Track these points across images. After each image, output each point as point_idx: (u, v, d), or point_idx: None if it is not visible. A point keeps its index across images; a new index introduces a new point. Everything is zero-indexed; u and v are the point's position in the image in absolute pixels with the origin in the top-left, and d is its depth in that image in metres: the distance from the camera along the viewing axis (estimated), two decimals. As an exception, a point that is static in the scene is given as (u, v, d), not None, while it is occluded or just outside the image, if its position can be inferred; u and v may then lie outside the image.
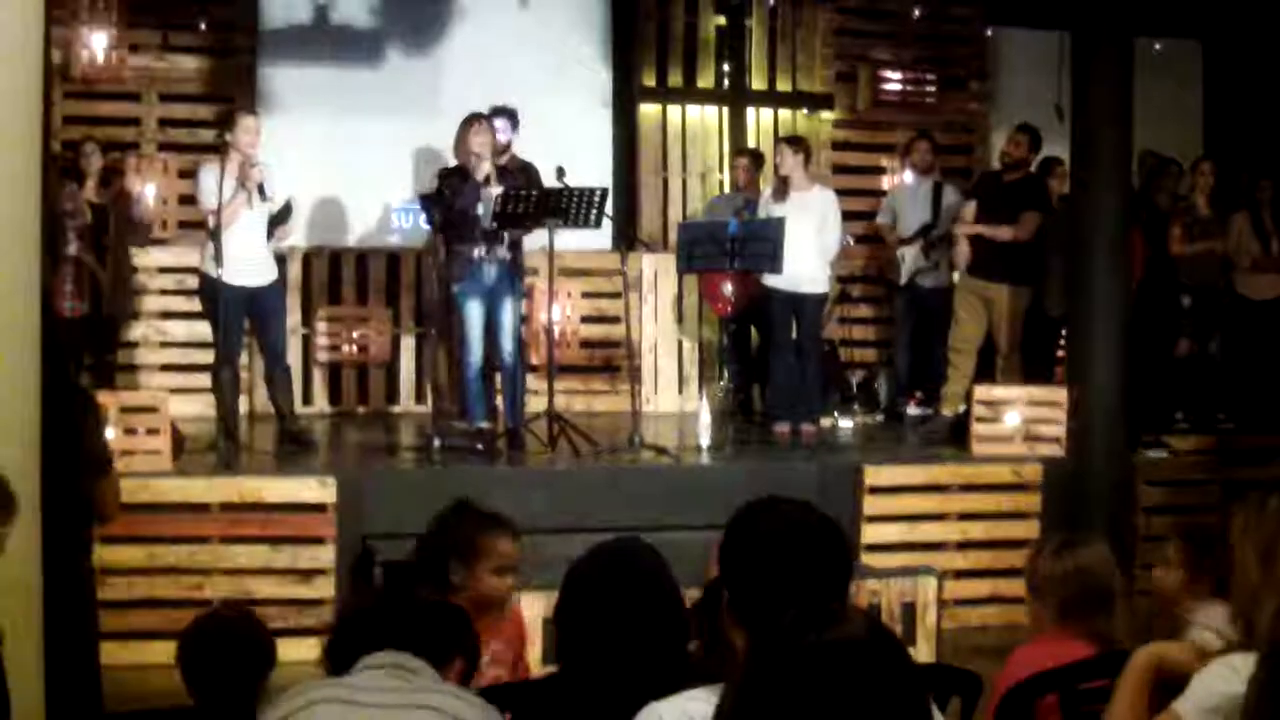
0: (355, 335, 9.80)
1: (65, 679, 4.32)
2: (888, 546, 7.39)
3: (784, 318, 8.56)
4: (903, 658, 1.70)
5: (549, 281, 7.97)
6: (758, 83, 10.89)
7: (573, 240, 8.73)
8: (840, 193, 9.09)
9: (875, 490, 7.58)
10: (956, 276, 9.17)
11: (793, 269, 8.17)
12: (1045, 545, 3.55)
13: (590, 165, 9.46)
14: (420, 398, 9.77)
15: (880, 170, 11.06)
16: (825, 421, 8.96)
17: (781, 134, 10.16)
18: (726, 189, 10.39)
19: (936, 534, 7.66)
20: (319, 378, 9.76)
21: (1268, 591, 2.65)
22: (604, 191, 7.81)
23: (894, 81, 11.01)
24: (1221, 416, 9.38)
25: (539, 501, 7.14)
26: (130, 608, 6.46)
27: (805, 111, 10.91)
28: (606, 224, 8.17)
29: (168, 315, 9.44)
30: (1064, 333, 8.92)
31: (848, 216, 9.20)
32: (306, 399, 9.50)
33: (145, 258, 9.34)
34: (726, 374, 9.90)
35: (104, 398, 6.15)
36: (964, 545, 7.68)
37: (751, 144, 10.49)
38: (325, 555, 6.85)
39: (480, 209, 7.71)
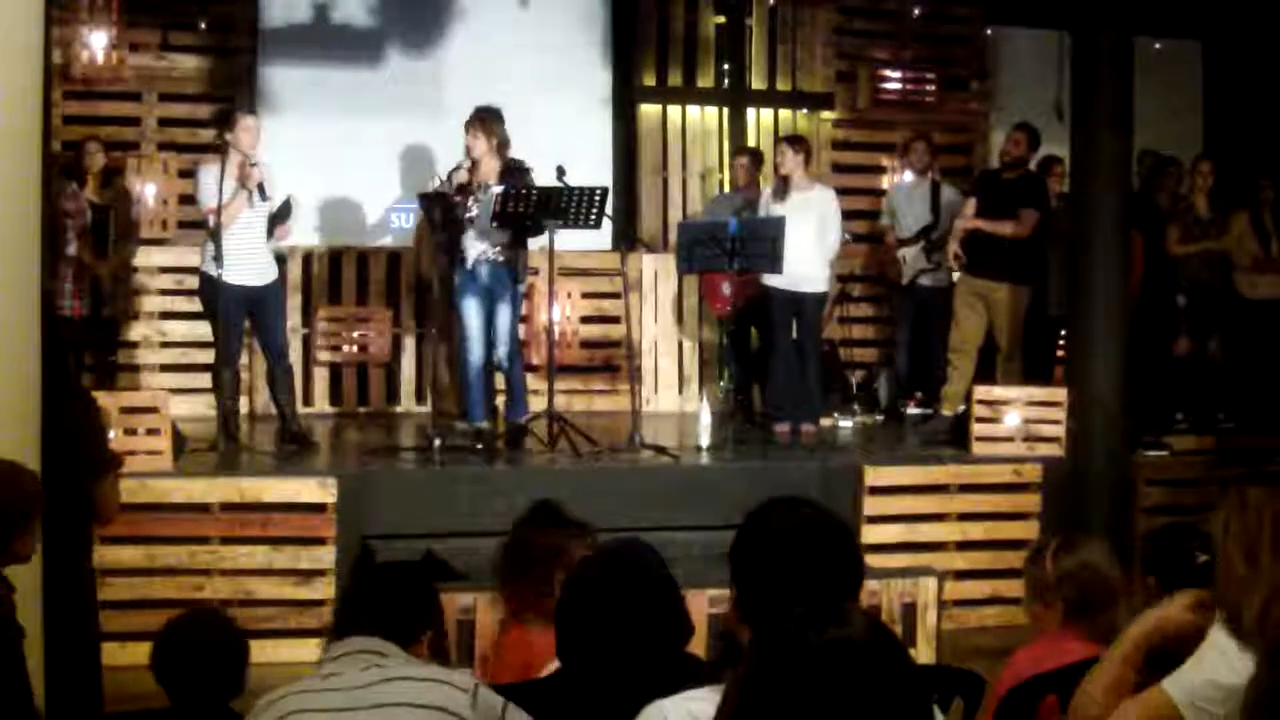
0: (355, 335, 9.80)
1: (66, 679, 4.32)
2: (887, 547, 7.39)
3: (784, 318, 8.56)
4: (903, 658, 1.71)
5: (549, 281, 7.96)
6: (758, 82, 10.89)
7: (573, 240, 8.72)
8: (840, 192, 9.09)
9: (875, 490, 7.58)
10: (956, 276, 9.17)
11: (793, 269, 8.16)
12: (1046, 546, 3.54)
13: (590, 165, 9.46)
14: (420, 398, 9.77)
15: (880, 170, 11.06)
16: (825, 422, 8.96)
17: (781, 133, 10.16)
18: (726, 189, 10.39)
19: (936, 534, 7.66)
20: (319, 378, 9.76)
21: (1253, 584, 2.63)
22: (604, 191, 7.80)
23: (894, 81, 11.01)
24: (1221, 416, 9.38)
25: (539, 502, 7.13)
26: (130, 608, 6.45)
27: (805, 111, 10.91)
28: (606, 224, 8.16)
29: (168, 315, 9.45)
30: (1063, 333, 8.93)
31: (848, 216, 9.20)
32: (307, 399, 9.49)
33: (145, 258, 9.34)
34: (726, 374, 9.90)
35: (104, 398, 6.15)
36: (964, 545, 7.68)
37: (751, 143, 10.48)
38: (326, 555, 6.85)
39: (476, 209, 7.72)
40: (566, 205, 7.64)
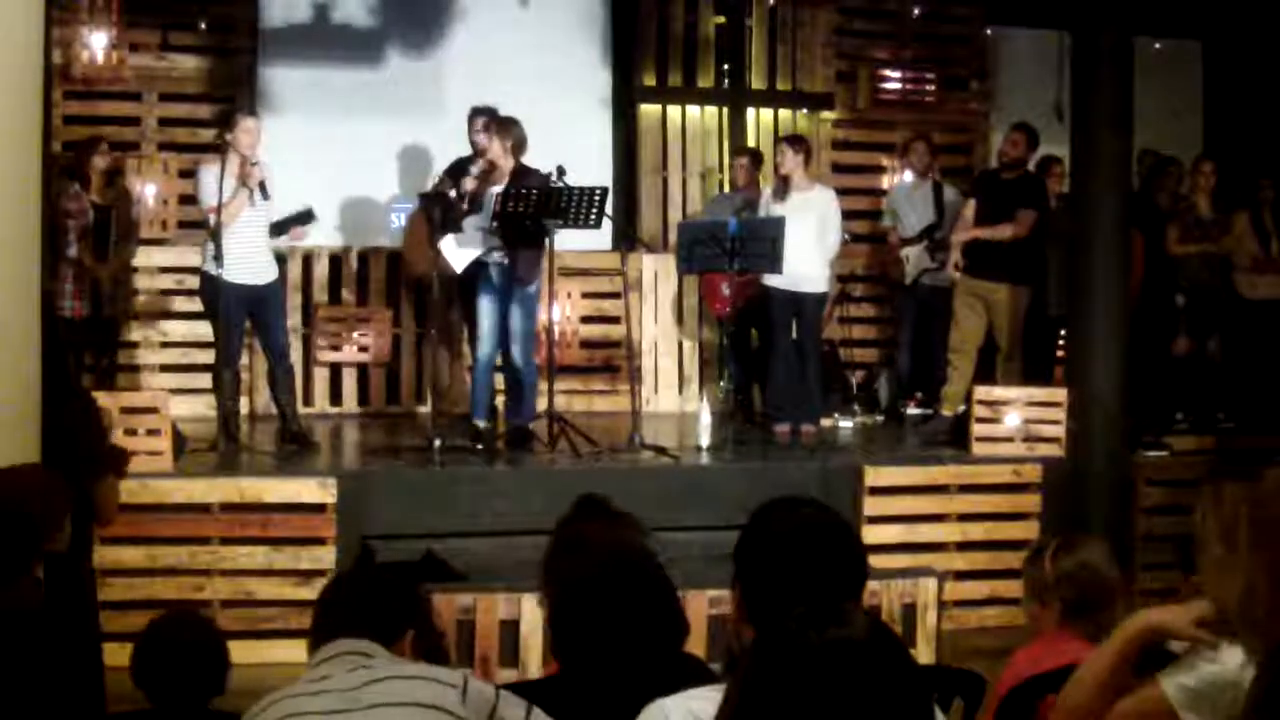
0: (356, 335, 9.80)
1: (67, 680, 4.32)
2: (887, 547, 7.39)
3: (784, 318, 8.56)
4: (904, 658, 1.71)
5: (549, 282, 7.97)
6: (757, 82, 10.89)
7: (573, 240, 8.72)
8: (840, 192, 9.09)
9: (875, 491, 7.58)
10: (957, 276, 9.17)
11: (793, 269, 8.16)
12: (1046, 546, 3.54)
13: (590, 165, 9.46)
14: (420, 398, 9.77)
15: (880, 170, 11.06)
16: (825, 422, 8.96)
17: (781, 133, 10.16)
18: (726, 189, 10.39)
19: (936, 535, 7.66)
20: (319, 378, 9.76)
21: (1232, 574, 2.66)
22: (604, 191, 7.81)
23: (894, 81, 11.01)
24: (1221, 416, 9.38)
25: (539, 501, 7.13)
26: (131, 608, 6.44)
27: (805, 111, 10.90)
28: (606, 224, 8.17)
29: (168, 315, 9.45)
30: (1063, 333, 8.93)
31: (847, 216, 9.20)
32: (307, 399, 9.49)
33: (145, 258, 9.34)
34: (726, 374, 9.90)
35: (104, 398, 6.14)
36: (964, 546, 7.69)
37: (751, 143, 10.48)
38: (326, 556, 6.85)
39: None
40: (566, 205, 7.64)
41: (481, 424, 7.93)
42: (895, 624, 6.27)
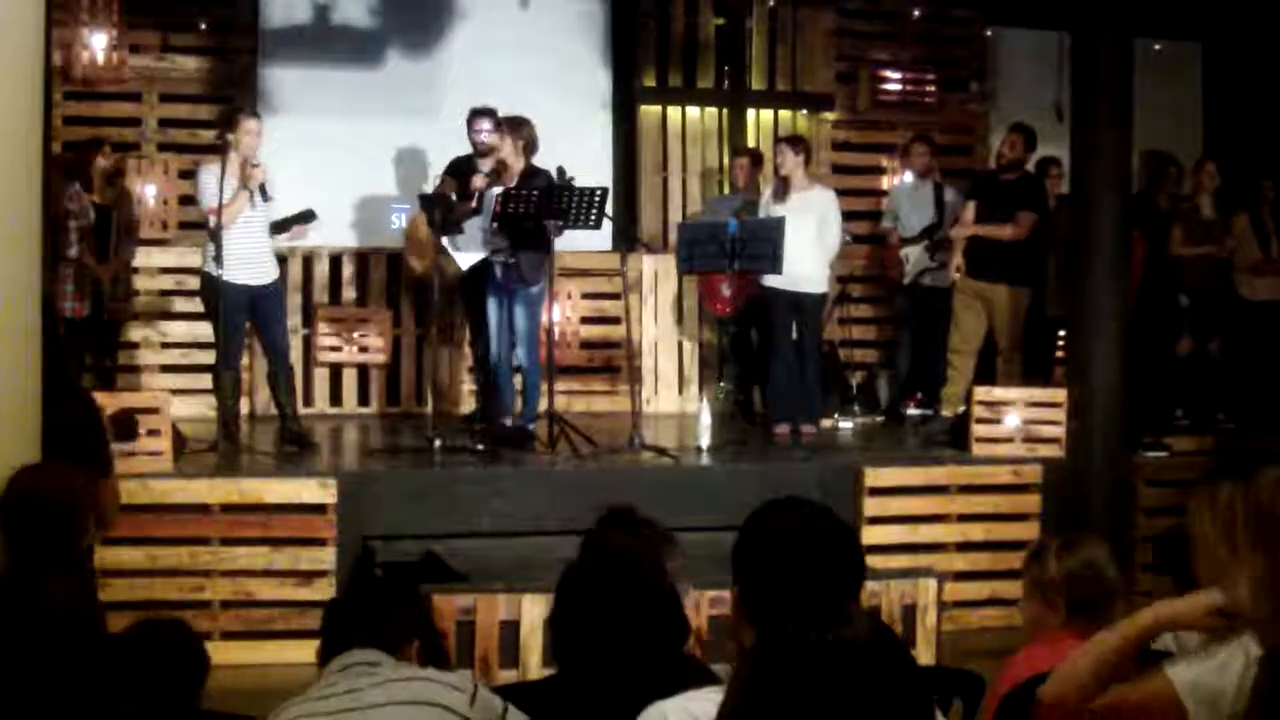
0: (355, 336, 9.80)
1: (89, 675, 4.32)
2: (887, 548, 7.39)
3: (784, 318, 8.56)
4: (905, 659, 1.71)
5: (549, 282, 7.97)
6: (757, 83, 10.89)
7: (573, 241, 8.73)
8: (840, 193, 9.08)
9: (875, 491, 7.58)
10: (957, 278, 9.17)
11: (793, 269, 8.16)
12: (1047, 546, 3.53)
13: (590, 166, 9.46)
14: (420, 398, 9.77)
15: (880, 170, 11.06)
16: (825, 422, 8.96)
17: (781, 134, 10.16)
18: (726, 190, 10.39)
19: (936, 535, 7.66)
20: (319, 378, 9.76)
21: (1238, 569, 2.69)
22: (604, 192, 7.81)
23: (894, 82, 11.01)
24: (1221, 417, 9.38)
25: (539, 502, 7.14)
26: (131, 609, 6.44)
27: (805, 112, 10.90)
28: (606, 225, 8.17)
29: (168, 316, 9.45)
30: (1061, 333, 8.93)
31: (848, 216, 9.20)
32: (307, 400, 9.49)
33: (145, 258, 9.34)
34: (726, 375, 9.91)
35: (104, 399, 6.15)
36: (964, 546, 7.69)
37: (751, 144, 10.49)
38: (326, 556, 6.85)
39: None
40: (567, 206, 7.64)
41: (508, 422, 7.95)
42: (895, 625, 6.27)
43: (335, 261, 9.91)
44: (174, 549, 6.73)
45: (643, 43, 10.68)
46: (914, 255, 9.66)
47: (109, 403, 6.63)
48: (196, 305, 8.56)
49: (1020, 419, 8.06)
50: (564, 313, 9.86)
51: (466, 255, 7.93)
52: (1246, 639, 2.62)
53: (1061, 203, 9.16)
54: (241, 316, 7.76)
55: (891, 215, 10.06)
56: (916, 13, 11.07)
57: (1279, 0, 9.75)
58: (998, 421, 8.06)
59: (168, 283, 9.45)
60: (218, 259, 7.46)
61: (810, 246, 8.40)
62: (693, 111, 10.82)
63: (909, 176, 10.14)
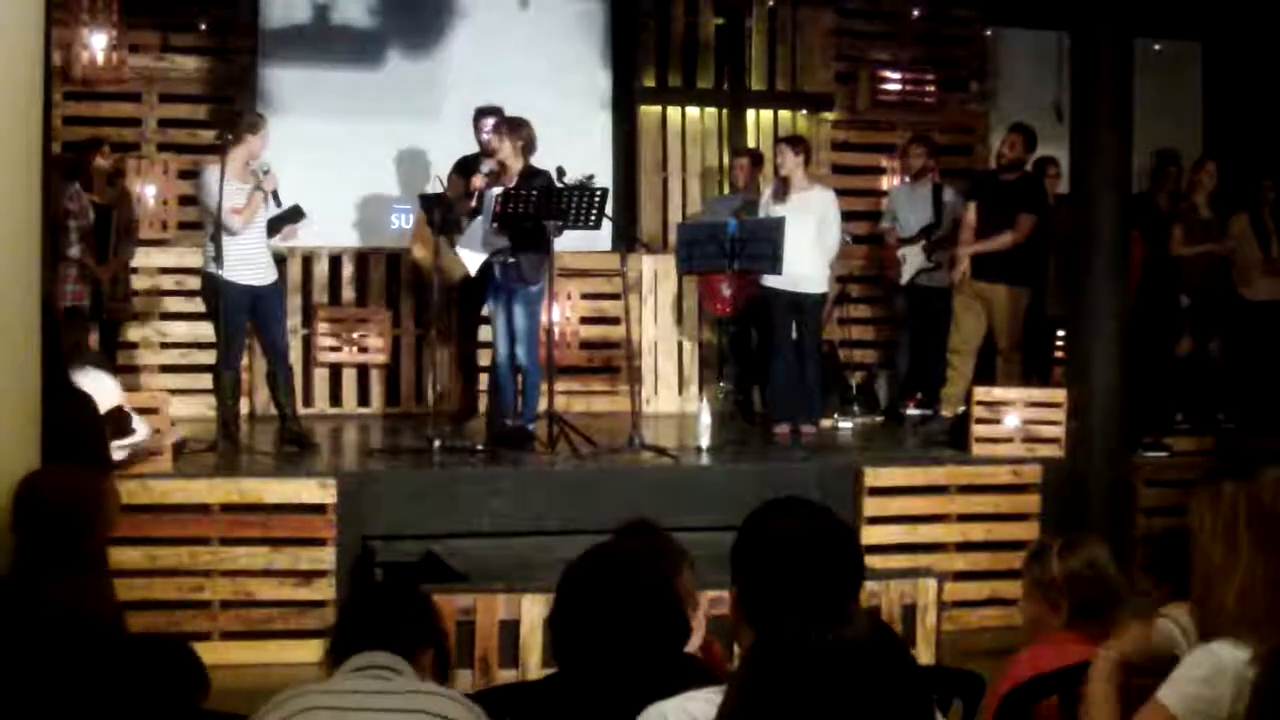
0: (355, 336, 9.80)
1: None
2: (887, 548, 7.39)
3: (784, 318, 8.56)
4: (905, 659, 1.71)
5: (549, 282, 7.97)
6: (757, 83, 10.89)
7: (572, 241, 8.72)
8: (840, 193, 9.08)
9: (875, 491, 7.58)
10: (956, 280, 9.17)
11: (792, 269, 8.16)
12: (1049, 547, 3.52)
13: (590, 166, 9.44)
14: (420, 399, 9.77)
15: (880, 170, 11.06)
16: (825, 422, 8.96)
17: (781, 134, 10.16)
18: (726, 190, 10.39)
19: (936, 535, 7.66)
20: (319, 379, 9.76)
21: (1231, 573, 2.74)
22: (604, 192, 7.81)
23: (893, 82, 11.01)
24: (1221, 417, 9.38)
25: (539, 502, 7.15)
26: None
27: (805, 112, 10.90)
28: (606, 225, 8.17)
29: (168, 316, 9.44)
30: (1060, 333, 8.93)
31: (848, 216, 9.20)
32: (307, 400, 9.49)
33: (145, 259, 9.34)
34: (726, 375, 9.91)
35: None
36: (963, 547, 7.68)
37: (751, 144, 10.49)
38: (326, 557, 6.85)
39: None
40: (566, 206, 7.64)
41: (509, 423, 7.96)
42: (895, 625, 6.27)
43: (335, 261, 9.91)
44: (174, 549, 6.72)
45: (643, 43, 10.68)
46: (911, 256, 9.66)
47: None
48: (196, 305, 8.56)
49: (1020, 419, 8.05)
50: (564, 313, 9.86)
51: (474, 256, 7.91)
52: (1218, 645, 2.68)
53: (1060, 202, 9.16)
54: (243, 317, 7.76)
55: (890, 215, 10.06)
56: (916, 13, 11.07)
57: (1279, 0, 9.75)
58: (997, 421, 8.06)
59: (167, 283, 9.45)
60: (217, 259, 7.46)
61: (810, 247, 8.40)
62: (692, 111, 10.82)
63: (907, 177, 10.13)
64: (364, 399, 9.86)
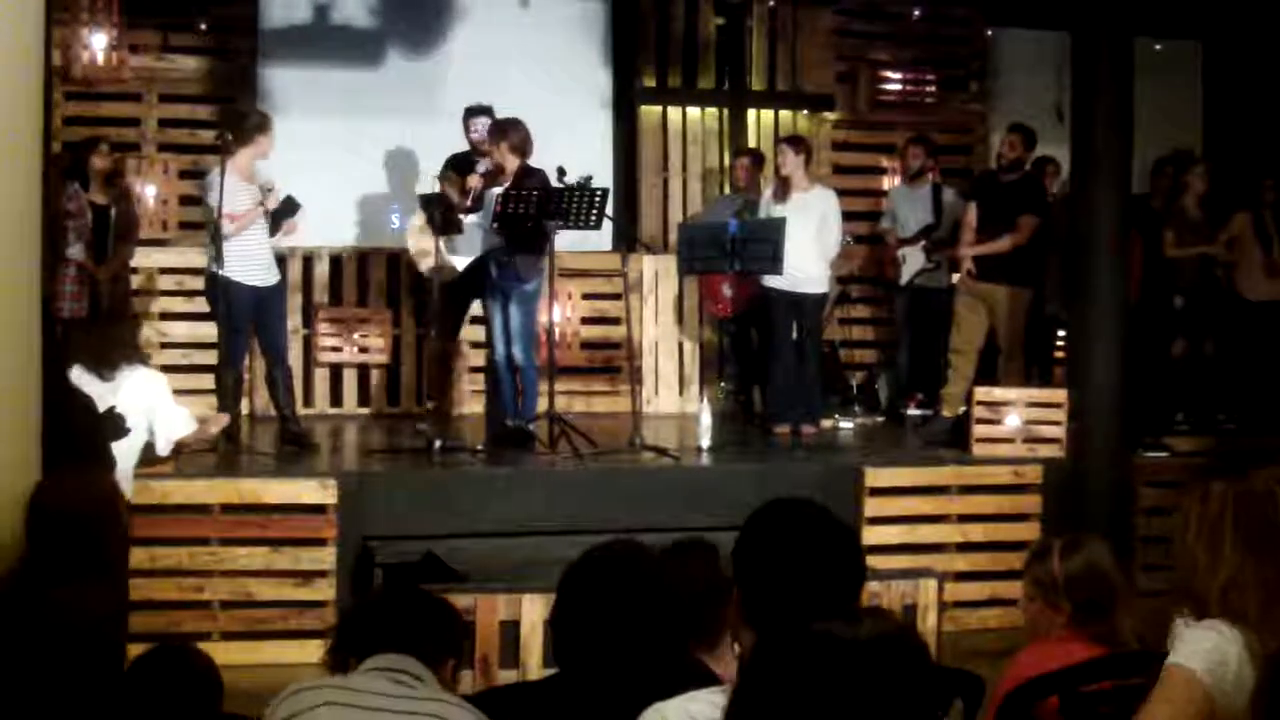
0: (356, 336, 9.80)
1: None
2: (888, 548, 7.38)
3: (784, 319, 8.56)
4: (920, 659, 1.70)
5: (549, 283, 7.97)
6: (758, 83, 10.89)
7: (573, 241, 8.72)
8: (840, 193, 9.08)
9: (875, 492, 7.57)
10: (956, 278, 9.17)
11: (793, 270, 8.16)
12: (1050, 547, 3.52)
13: (590, 166, 9.43)
14: (421, 399, 9.77)
15: (880, 170, 11.06)
16: (826, 423, 8.95)
17: (782, 134, 10.16)
18: (727, 190, 10.39)
19: (937, 535, 7.65)
20: (319, 379, 9.76)
21: (1214, 571, 2.81)
22: (604, 192, 7.81)
23: (894, 82, 11.01)
24: (1222, 417, 9.37)
25: (539, 502, 7.14)
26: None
27: (805, 112, 10.90)
28: (607, 225, 8.17)
29: (168, 316, 9.44)
30: (1061, 333, 8.92)
31: (848, 217, 9.19)
32: (307, 400, 9.50)
33: (145, 259, 9.34)
34: (726, 375, 9.90)
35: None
36: (964, 547, 7.68)
37: (752, 144, 10.48)
38: (326, 557, 6.84)
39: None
40: (567, 206, 7.64)
41: (509, 423, 7.96)
42: (895, 625, 6.26)
43: (335, 261, 9.91)
44: (174, 549, 6.72)
45: (643, 43, 10.68)
46: (911, 256, 9.66)
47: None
48: (196, 305, 8.56)
49: (1020, 419, 8.05)
50: (564, 313, 9.86)
51: (460, 258, 7.95)
52: (1209, 622, 2.78)
53: (1059, 202, 9.15)
54: (246, 317, 7.75)
55: (889, 215, 10.06)
56: (916, 13, 11.08)
57: (1279, 1, 9.75)
58: (998, 422, 8.06)
59: (167, 283, 9.45)
60: (217, 259, 7.46)
61: (810, 247, 8.40)
62: (693, 111, 10.82)
63: (906, 177, 10.13)
64: (364, 399, 9.85)
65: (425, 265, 8.61)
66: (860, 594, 2.35)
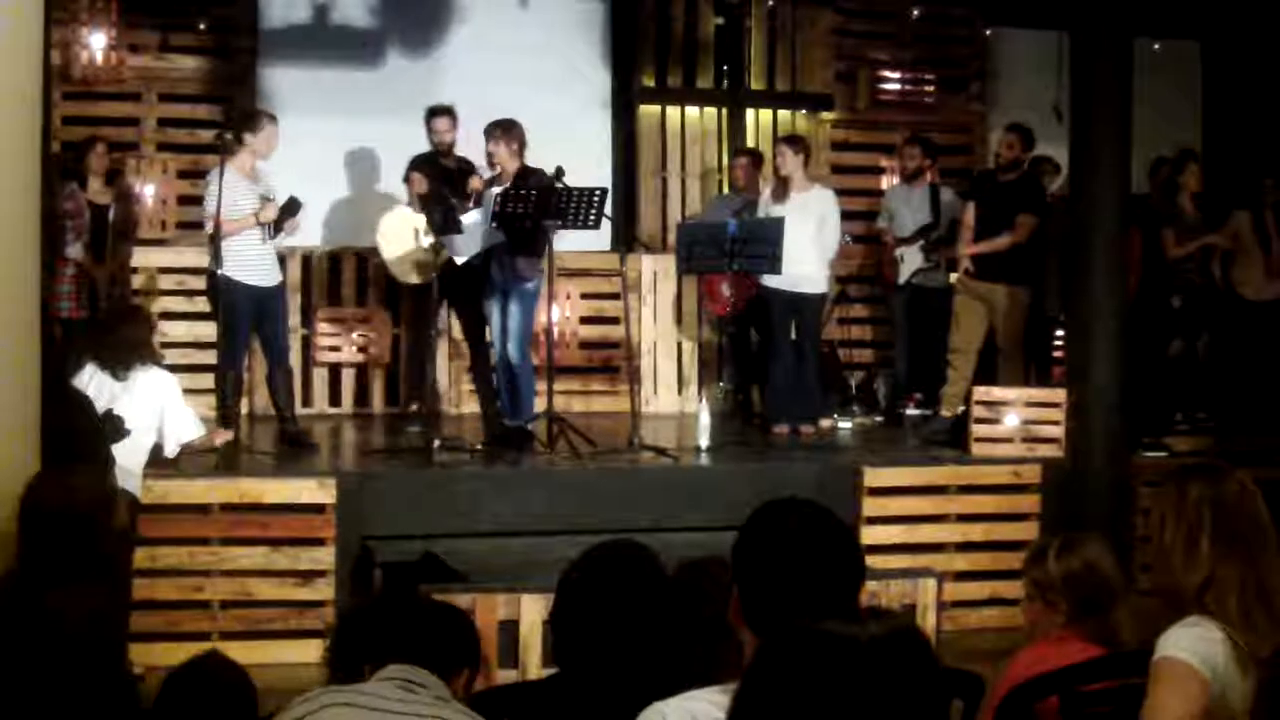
0: (355, 336, 9.80)
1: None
2: (887, 548, 7.38)
3: (783, 318, 8.56)
4: (927, 660, 1.70)
5: (548, 282, 7.97)
6: (757, 83, 10.89)
7: (572, 241, 8.72)
8: (840, 193, 9.09)
9: (874, 491, 7.57)
10: (954, 278, 9.17)
11: (792, 269, 8.17)
12: (1048, 547, 3.53)
13: (590, 166, 9.46)
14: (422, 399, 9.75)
15: (879, 170, 11.06)
16: (824, 422, 8.95)
17: (781, 134, 10.16)
18: (726, 189, 10.39)
19: (936, 535, 7.65)
20: (319, 379, 9.76)
21: (1191, 569, 2.86)
22: (603, 192, 7.81)
23: (893, 81, 11.02)
24: (1203, 416, 9.38)
25: (538, 502, 7.14)
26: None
27: (804, 112, 10.90)
28: (606, 225, 8.17)
29: (167, 316, 9.43)
30: (1059, 333, 8.92)
31: (847, 216, 9.20)
32: (306, 400, 9.49)
33: (144, 258, 9.33)
34: (725, 375, 9.90)
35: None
36: (963, 547, 7.68)
37: (751, 144, 10.48)
38: (325, 557, 6.84)
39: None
40: (565, 206, 7.64)
41: (508, 422, 7.96)
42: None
43: (335, 261, 9.91)
44: (174, 549, 6.72)
45: (642, 42, 10.68)
46: (909, 256, 9.66)
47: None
48: (196, 305, 8.55)
49: (1019, 419, 8.05)
50: (563, 313, 9.85)
51: (461, 256, 7.96)
52: (1196, 619, 2.83)
53: (1058, 202, 9.16)
54: (246, 318, 7.76)
55: (886, 215, 10.06)
56: (916, 12, 11.07)
57: (1278, 0, 9.75)
58: (997, 421, 8.06)
59: (167, 283, 9.44)
60: (216, 259, 7.46)
61: (810, 247, 8.40)
62: (692, 111, 10.82)
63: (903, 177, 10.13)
64: (363, 399, 9.85)
65: (402, 271, 8.59)
66: (859, 591, 2.35)
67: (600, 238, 9.04)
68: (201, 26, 9.90)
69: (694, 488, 7.37)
